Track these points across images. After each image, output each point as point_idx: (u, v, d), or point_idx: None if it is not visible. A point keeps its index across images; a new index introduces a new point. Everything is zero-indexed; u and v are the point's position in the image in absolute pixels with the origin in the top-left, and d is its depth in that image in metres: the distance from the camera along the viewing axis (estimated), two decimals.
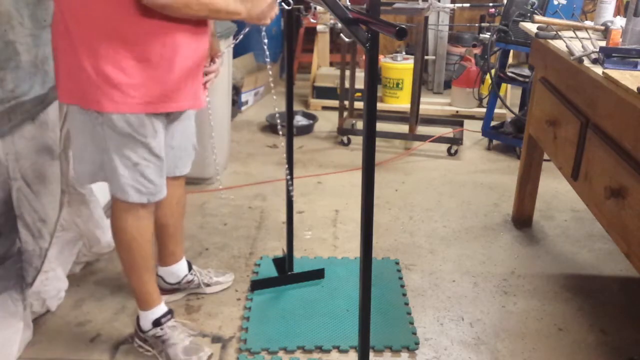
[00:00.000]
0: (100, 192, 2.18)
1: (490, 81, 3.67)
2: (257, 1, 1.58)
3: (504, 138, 3.60)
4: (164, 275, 2.05)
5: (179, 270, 2.06)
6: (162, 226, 1.96)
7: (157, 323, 1.79)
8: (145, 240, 1.73)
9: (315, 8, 1.81)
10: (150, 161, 1.62)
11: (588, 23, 2.31)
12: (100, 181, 1.71)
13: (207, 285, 2.11)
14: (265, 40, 1.78)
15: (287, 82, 2.02)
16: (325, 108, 4.51)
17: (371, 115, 1.20)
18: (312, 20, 1.90)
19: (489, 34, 3.44)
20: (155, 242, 2.00)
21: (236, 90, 4.14)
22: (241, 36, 1.90)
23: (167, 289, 2.06)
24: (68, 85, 1.56)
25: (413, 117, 3.64)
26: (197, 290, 2.11)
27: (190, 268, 2.10)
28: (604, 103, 1.73)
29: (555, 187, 3.10)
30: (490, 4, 4.02)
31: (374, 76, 1.17)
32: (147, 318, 1.80)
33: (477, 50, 4.20)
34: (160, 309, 1.81)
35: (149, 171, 1.63)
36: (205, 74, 1.76)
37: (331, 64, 5.03)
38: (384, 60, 4.48)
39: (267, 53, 1.81)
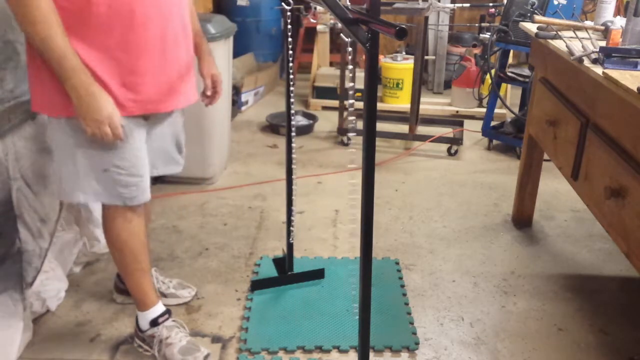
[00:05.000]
0: None
1: (490, 81, 3.67)
2: (92, 93, 1.41)
3: (504, 138, 3.60)
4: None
5: None
6: None
7: (154, 323, 1.80)
8: (137, 243, 1.72)
9: (315, 8, 1.81)
10: (122, 167, 1.58)
11: (588, 23, 2.31)
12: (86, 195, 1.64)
13: (164, 295, 2.06)
14: None
15: (287, 82, 2.00)
16: (325, 108, 4.51)
17: (371, 115, 1.20)
18: (312, 20, 1.90)
19: (489, 34, 3.43)
20: None
21: (236, 90, 4.14)
22: None
23: (124, 290, 2.02)
24: (36, 92, 1.52)
25: (413, 117, 3.64)
26: None
27: None
28: (604, 103, 1.73)
29: (555, 187, 3.10)
30: (490, 4, 4.02)
31: (374, 76, 1.17)
32: (145, 318, 1.80)
33: (477, 50, 4.20)
34: (158, 309, 1.81)
35: (119, 177, 1.60)
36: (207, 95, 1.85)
37: (331, 64, 5.03)
38: (384, 60, 4.48)
39: None
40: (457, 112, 4.37)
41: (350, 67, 1.31)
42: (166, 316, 1.82)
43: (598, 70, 1.65)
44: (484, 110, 3.99)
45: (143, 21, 1.48)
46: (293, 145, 2.02)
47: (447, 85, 4.92)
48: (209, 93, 1.90)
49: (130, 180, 1.62)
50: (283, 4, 1.85)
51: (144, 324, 1.80)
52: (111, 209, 1.68)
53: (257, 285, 2.16)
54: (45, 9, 1.35)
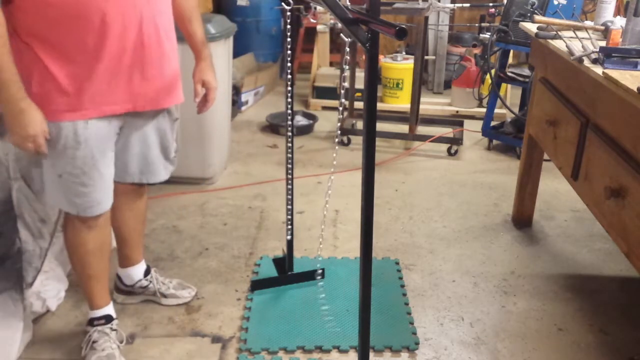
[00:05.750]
0: None
1: (490, 81, 3.67)
2: (24, 113, 1.43)
3: (504, 138, 3.60)
4: (122, 276, 2.06)
5: (133, 273, 2.04)
6: (114, 229, 1.95)
7: (90, 323, 1.83)
8: (83, 253, 1.74)
9: (315, 8, 1.81)
10: (74, 174, 1.58)
11: (588, 23, 2.31)
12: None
13: (164, 295, 2.07)
14: None
15: (287, 82, 2.01)
16: (325, 108, 4.51)
17: (371, 115, 1.20)
18: (312, 20, 1.91)
19: (489, 34, 3.43)
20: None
21: (236, 90, 4.14)
22: None
23: (123, 290, 2.07)
24: None
25: (413, 117, 3.64)
26: (153, 298, 2.07)
27: (147, 273, 2.07)
28: (604, 103, 1.73)
29: (555, 187, 3.10)
30: (490, 4, 4.02)
31: (374, 76, 1.17)
32: (88, 315, 1.84)
33: (477, 50, 4.20)
34: (99, 312, 1.83)
35: (73, 186, 1.59)
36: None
37: (331, 64, 5.03)
38: (384, 60, 4.48)
39: None
40: (457, 112, 4.37)
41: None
42: (102, 321, 1.82)
43: (598, 70, 1.65)
44: (484, 110, 3.99)
45: (99, 25, 1.47)
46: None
47: (447, 85, 4.92)
48: (197, 99, 1.83)
49: (81, 190, 1.60)
50: (283, 4, 1.85)
51: (88, 321, 1.84)
52: (67, 215, 1.71)
53: (257, 285, 2.17)
54: None
